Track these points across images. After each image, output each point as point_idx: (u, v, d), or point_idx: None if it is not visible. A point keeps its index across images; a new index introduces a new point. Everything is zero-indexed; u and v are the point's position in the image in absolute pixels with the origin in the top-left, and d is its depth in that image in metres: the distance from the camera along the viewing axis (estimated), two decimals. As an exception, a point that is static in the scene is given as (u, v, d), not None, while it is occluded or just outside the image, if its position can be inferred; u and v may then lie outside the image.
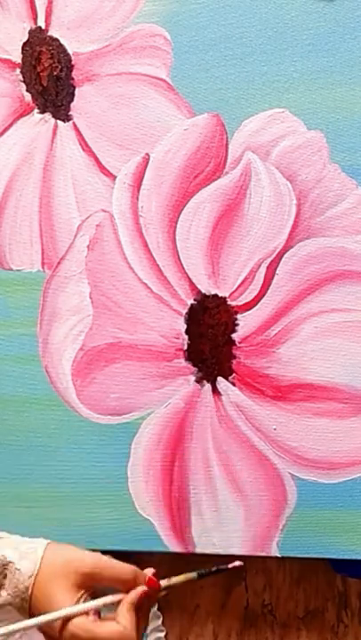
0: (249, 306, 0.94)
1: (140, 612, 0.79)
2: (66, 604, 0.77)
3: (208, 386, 0.96)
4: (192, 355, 0.96)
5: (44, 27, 0.99)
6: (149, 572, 0.81)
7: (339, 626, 1.00)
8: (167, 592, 0.82)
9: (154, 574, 0.80)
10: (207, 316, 0.96)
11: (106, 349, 0.98)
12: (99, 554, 0.80)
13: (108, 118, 0.98)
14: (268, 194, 0.93)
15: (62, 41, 0.99)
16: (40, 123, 1.00)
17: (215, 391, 0.96)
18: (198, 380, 0.96)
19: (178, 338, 0.97)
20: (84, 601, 0.78)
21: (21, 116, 1.01)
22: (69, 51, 0.99)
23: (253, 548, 0.96)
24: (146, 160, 0.97)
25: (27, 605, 0.78)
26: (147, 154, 0.97)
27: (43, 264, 1.01)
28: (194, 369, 0.97)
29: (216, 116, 0.94)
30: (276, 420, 0.94)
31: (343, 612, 1.00)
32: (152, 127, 0.96)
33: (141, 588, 0.79)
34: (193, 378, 0.97)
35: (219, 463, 0.96)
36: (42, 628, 0.78)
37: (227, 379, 0.95)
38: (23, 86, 1.01)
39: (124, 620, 0.78)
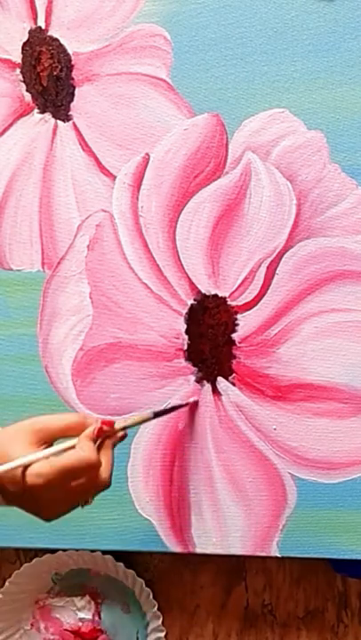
0: (249, 306, 0.94)
1: (102, 448, 0.82)
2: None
3: (208, 386, 0.96)
4: (192, 355, 0.96)
5: (44, 27, 0.99)
6: (98, 418, 0.83)
7: (339, 626, 1.00)
8: (125, 433, 0.85)
9: (102, 420, 0.83)
10: (207, 316, 0.96)
11: (106, 349, 0.98)
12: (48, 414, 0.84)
13: (108, 118, 0.98)
14: (268, 194, 0.93)
15: (62, 41, 0.99)
16: (40, 123, 1.00)
17: (215, 391, 0.96)
18: (198, 380, 0.96)
19: (178, 338, 0.97)
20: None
21: (21, 115, 1.01)
22: (69, 51, 0.99)
23: (253, 547, 0.96)
24: (146, 160, 0.97)
25: None
26: (147, 154, 0.97)
27: (43, 264, 1.01)
28: (194, 369, 0.97)
29: (216, 115, 0.94)
30: (276, 420, 0.94)
31: (343, 612, 0.99)
32: (152, 127, 0.96)
33: (96, 424, 0.82)
34: (193, 378, 0.97)
35: (219, 463, 0.96)
36: (6, 490, 0.79)
37: (227, 379, 0.95)
38: (23, 86, 1.01)
39: (82, 444, 0.80)
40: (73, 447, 0.80)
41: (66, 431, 0.82)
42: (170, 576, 1.03)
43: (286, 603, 1.01)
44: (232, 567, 1.02)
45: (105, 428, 0.82)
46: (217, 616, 1.02)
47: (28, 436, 0.81)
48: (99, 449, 0.82)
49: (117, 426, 0.84)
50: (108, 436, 0.83)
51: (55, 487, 0.78)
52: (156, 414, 0.89)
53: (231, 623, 1.02)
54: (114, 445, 0.84)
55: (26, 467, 0.78)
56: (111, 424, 0.83)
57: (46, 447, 0.81)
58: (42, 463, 0.78)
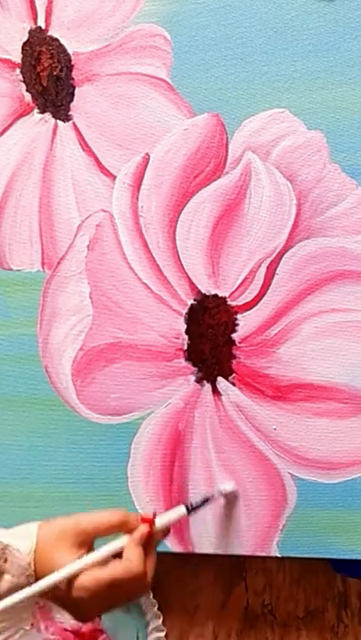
0: (249, 306, 0.94)
1: (147, 554, 0.81)
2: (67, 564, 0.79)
3: (208, 386, 0.96)
4: (192, 355, 0.96)
5: (43, 27, 0.99)
6: (138, 515, 0.83)
7: (339, 626, 1.00)
8: (168, 530, 0.86)
9: (142, 518, 0.83)
10: (207, 316, 0.96)
11: (106, 349, 0.98)
12: (89, 513, 0.83)
13: (108, 118, 0.98)
14: (268, 194, 0.93)
15: (62, 41, 0.99)
16: (40, 123, 1.00)
17: (215, 391, 0.96)
18: (198, 380, 0.96)
19: (178, 338, 0.97)
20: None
21: (21, 115, 1.01)
22: (69, 51, 0.99)
23: (253, 548, 0.95)
24: (146, 160, 0.97)
25: (32, 580, 0.80)
26: (147, 154, 0.97)
27: (43, 264, 1.01)
28: (194, 369, 0.97)
29: (216, 115, 0.94)
30: (276, 420, 0.94)
31: (343, 612, 0.99)
32: (152, 127, 0.96)
33: (145, 527, 0.81)
34: (193, 378, 0.97)
35: (218, 463, 0.96)
36: (50, 595, 0.79)
37: (227, 379, 0.95)
38: (23, 86, 1.01)
39: (130, 554, 0.80)
40: (119, 551, 0.80)
41: (108, 531, 0.82)
42: (170, 576, 1.03)
43: (286, 603, 1.01)
44: (232, 567, 1.02)
45: (146, 530, 0.82)
46: (217, 616, 1.02)
47: (72, 539, 0.80)
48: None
49: (158, 526, 0.84)
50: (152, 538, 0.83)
51: (99, 598, 0.78)
52: (190, 509, 0.88)
53: (231, 623, 1.02)
54: (156, 546, 0.84)
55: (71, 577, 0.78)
56: (150, 520, 0.83)
57: (87, 549, 0.81)
58: (88, 576, 0.78)
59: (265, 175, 0.93)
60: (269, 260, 0.93)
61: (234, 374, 0.95)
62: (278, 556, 0.95)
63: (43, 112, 1.00)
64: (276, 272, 0.93)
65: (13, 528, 0.83)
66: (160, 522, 0.84)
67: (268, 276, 0.94)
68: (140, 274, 0.97)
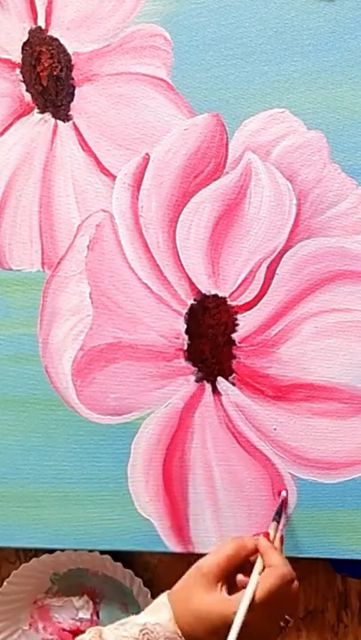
0: (249, 306, 0.94)
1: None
2: (215, 600, 0.78)
3: (208, 386, 0.96)
4: (192, 355, 0.96)
5: (43, 26, 0.99)
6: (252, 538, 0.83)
7: (339, 626, 1.00)
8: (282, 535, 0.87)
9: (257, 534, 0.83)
10: (207, 315, 0.96)
11: (106, 349, 0.98)
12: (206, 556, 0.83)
13: (108, 118, 0.98)
14: (268, 194, 0.93)
15: (62, 41, 0.99)
16: (40, 123, 1.00)
17: (215, 391, 0.96)
18: (198, 380, 0.96)
19: (178, 338, 0.97)
20: (227, 590, 0.80)
21: (21, 115, 1.01)
22: (69, 51, 0.99)
23: (253, 548, 0.95)
24: (146, 160, 0.97)
25: None
26: (147, 154, 0.97)
27: (43, 264, 1.01)
28: (194, 369, 0.97)
29: (216, 115, 0.94)
30: (277, 420, 0.94)
31: (343, 612, 0.99)
32: (152, 127, 0.96)
33: (250, 543, 0.82)
34: (193, 378, 0.97)
35: (219, 463, 0.96)
36: None
37: (227, 379, 0.95)
38: (23, 86, 1.01)
39: (271, 560, 0.79)
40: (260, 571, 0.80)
41: (230, 560, 0.81)
42: (170, 576, 1.03)
43: (286, 603, 1.01)
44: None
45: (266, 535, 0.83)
46: (217, 616, 1.02)
47: (201, 586, 0.80)
48: None
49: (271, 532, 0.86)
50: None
51: (265, 617, 0.77)
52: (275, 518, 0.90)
53: (231, 623, 1.02)
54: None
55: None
56: (266, 533, 0.84)
57: (222, 584, 0.80)
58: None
59: (265, 175, 0.93)
60: (269, 259, 0.93)
61: (234, 374, 0.95)
62: (278, 556, 0.95)
63: (43, 112, 1.00)
64: (277, 272, 0.93)
65: (144, 610, 0.82)
66: (271, 529, 0.85)
67: (268, 275, 0.94)
68: (140, 274, 0.97)
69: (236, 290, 0.95)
